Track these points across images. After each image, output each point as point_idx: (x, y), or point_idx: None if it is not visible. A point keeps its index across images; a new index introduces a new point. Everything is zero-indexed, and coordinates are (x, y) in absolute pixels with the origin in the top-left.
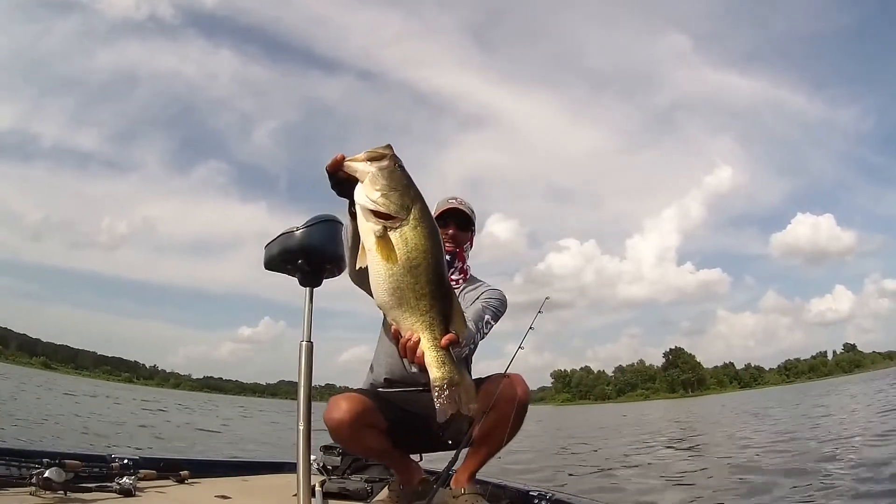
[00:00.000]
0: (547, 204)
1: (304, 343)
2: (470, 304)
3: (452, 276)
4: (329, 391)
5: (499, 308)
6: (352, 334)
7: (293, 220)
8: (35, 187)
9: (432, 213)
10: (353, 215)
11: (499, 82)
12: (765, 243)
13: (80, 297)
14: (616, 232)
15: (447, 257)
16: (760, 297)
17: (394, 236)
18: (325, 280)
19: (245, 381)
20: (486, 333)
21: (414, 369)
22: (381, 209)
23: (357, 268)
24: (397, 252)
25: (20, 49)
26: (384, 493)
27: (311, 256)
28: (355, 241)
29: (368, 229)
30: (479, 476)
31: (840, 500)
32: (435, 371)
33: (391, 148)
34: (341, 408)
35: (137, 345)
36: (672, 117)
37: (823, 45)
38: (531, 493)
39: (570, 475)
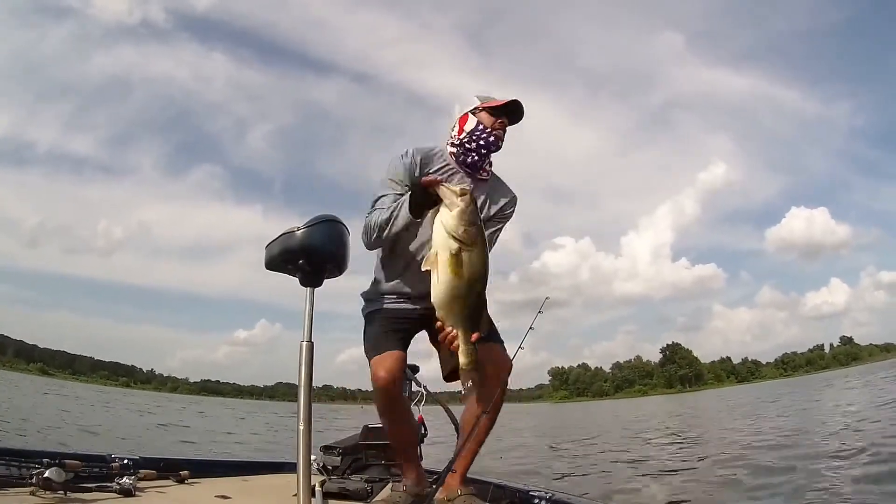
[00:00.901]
0: (542, 203)
1: (304, 343)
2: (496, 208)
3: (486, 168)
4: (326, 392)
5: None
6: (350, 335)
7: (288, 224)
8: (30, 193)
9: (491, 99)
10: (413, 207)
11: (496, 83)
12: (760, 238)
13: (77, 302)
14: (611, 229)
15: (497, 143)
16: (756, 292)
17: (462, 256)
18: (325, 280)
19: (242, 384)
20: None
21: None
22: (462, 238)
23: (385, 236)
24: (463, 269)
25: (15, 54)
26: (384, 492)
27: (312, 256)
28: (396, 222)
29: (446, 246)
30: (478, 476)
31: (838, 496)
32: (464, 358)
33: (470, 191)
34: (392, 363)
35: (134, 349)
36: (668, 116)
37: (818, 42)
38: (531, 493)
39: (571, 475)
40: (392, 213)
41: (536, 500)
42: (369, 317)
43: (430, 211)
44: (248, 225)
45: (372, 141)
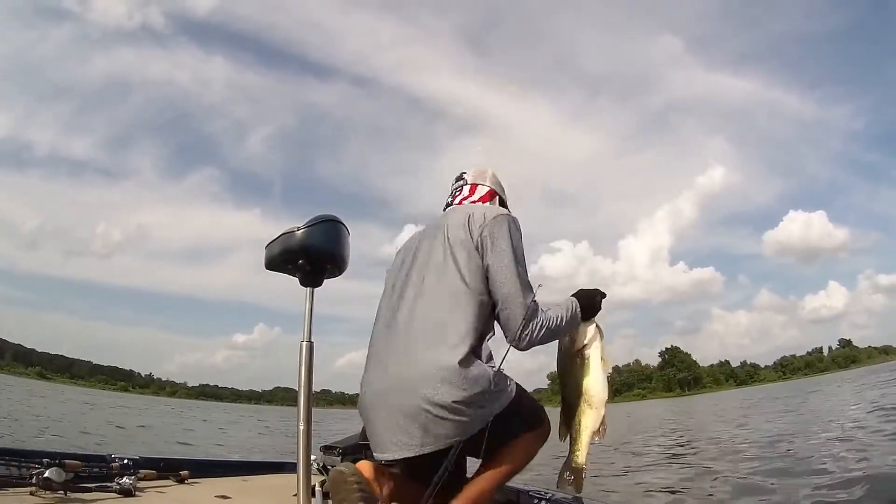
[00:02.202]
0: (540, 206)
1: (304, 343)
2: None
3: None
4: (324, 397)
5: None
6: (349, 339)
7: (287, 226)
8: (29, 195)
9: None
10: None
11: (493, 86)
12: (758, 242)
13: (75, 305)
14: (609, 233)
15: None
16: (755, 296)
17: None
18: (325, 280)
19: (241, 389)
20: None
21: None
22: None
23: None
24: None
25: (14, 56)
26: None
27: (313, 256)
28: (568, 328)
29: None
30: None
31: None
32: (579, 455)
33: None
34: None
35: (132, 353)
36: (666, 119)
37: (816, 45)
38: (531, 493)
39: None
40: (574, 319)
41: (536, 501)
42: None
43: None
44: (246, 228)
45: (371, 144)
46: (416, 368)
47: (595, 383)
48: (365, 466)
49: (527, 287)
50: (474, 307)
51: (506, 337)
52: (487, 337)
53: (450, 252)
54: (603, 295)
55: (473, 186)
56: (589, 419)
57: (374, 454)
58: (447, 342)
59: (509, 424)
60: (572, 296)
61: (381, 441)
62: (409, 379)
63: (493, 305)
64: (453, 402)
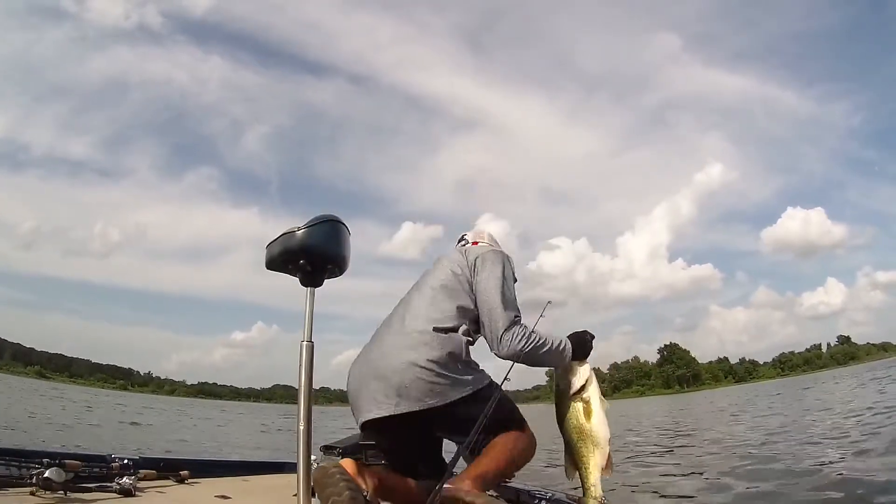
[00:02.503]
0: (539, 205)
1: (304, 343)
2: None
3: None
4: (324, 395)
5: None
6: (347, 337)
7: (285, 225)
8: (27, 195)
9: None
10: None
11: (491, 85)
12: (756, 239)
13: (74, 305)
14: (607, 230)
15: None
16: (753, 292)
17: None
18: (325, 280)
19: (240, 387)
20: None
21: None
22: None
23: (540, 364)
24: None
25: (11, 57)
26: None
27: (313, 256)
28: (557, 361)
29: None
30: None
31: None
32: (594, 490)
33: None
34: None
35: (131, 351)
36: (663, 117)
37: (813, 43)
38: (531, 493)
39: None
40: (563, 352)
41: (536, 501)
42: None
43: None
44: (244, 227)
45: (368, 142)
46: (401, 336)
47: (599, 424)
48: (348, 463)
49: (511, 303)
50: (463, 304)
51: (489, 346)
52: (468, 339)
53: (449, 270)
54: (593, 336)
55: (475, 243)
56: (597, 458)
57: (357, 420)
58: (434, 319)
59: (493, 420)
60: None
61: (361, 405)
62: (394, 345)
63: (478, 318)
64: (429, 359)
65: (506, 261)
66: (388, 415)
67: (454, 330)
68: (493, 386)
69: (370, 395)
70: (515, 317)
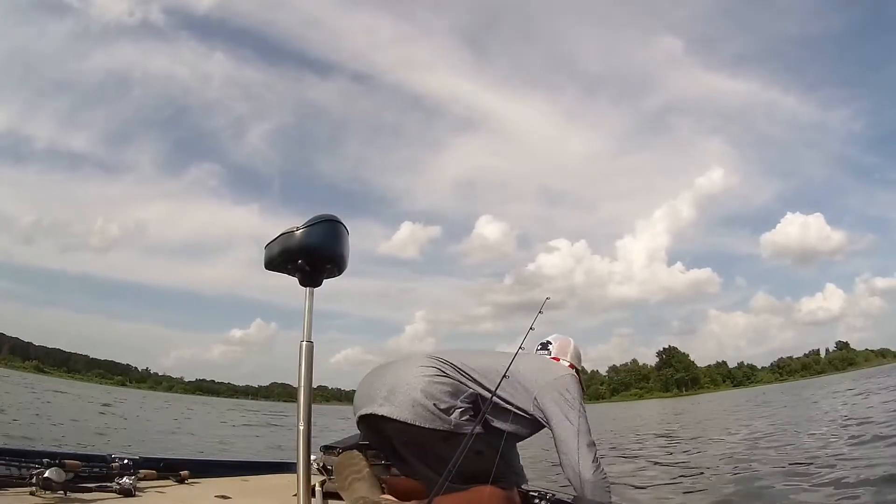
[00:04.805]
0: (538, 205)
1: (304, 343)
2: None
3: None
4: (321, 393)
5: None
6: (345, 335)
7: (285, 223)
8: (27, 190)
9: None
10: None
11: (492, 85)
12: (755, 243)
13: (72, 299)
14: (607, 233)
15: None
16: (751, 297)
17: None
18: (324, 280)
19: (238, 384)
20: None
21: None
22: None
23: None
24: None
25: (13, 51)
26: None
27: (312, 256)
28: None
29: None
30: None
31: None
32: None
33: None
34: None
35: (129, 347)
36: (665, 119)
37: (816, 47)
38: (531, 493)
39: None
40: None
41: (536, 500)
42: None
43: None
44: (244, 223)
45: (370, 141)
46: (422, 359)
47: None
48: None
49: (592, 446)
50: (490, 391)
51: (569, 480)
52: (468, 405)
53: (520, 366)
54: None
55: (556, 358)
56: None
57: (354, 415)
58: (461, 369)
59: (478, 462)
60: None
61: (361, 404)
62: (411, 363)
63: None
64: (422, 389)
65: (579, 385)
66: (370, 413)
67: (464, 391)
68: (478, 437)
69: (370, 393)
70: (595, 462)
